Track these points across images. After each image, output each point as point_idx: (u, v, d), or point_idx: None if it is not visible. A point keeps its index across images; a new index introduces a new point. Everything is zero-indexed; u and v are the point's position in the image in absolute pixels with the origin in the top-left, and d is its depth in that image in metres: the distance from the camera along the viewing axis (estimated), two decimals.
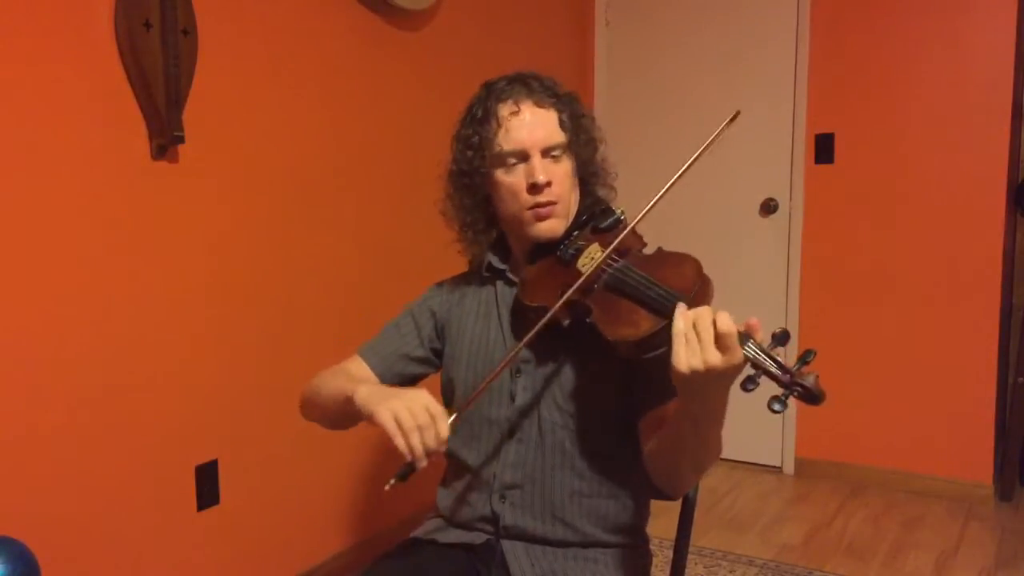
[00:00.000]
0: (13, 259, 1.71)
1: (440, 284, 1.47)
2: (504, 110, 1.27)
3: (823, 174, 3.35)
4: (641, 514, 1.35)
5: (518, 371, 1.30)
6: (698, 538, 2.82)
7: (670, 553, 1.42)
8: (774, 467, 3.51)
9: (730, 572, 2.61)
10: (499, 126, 1.26)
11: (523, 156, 1.26)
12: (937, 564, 2.66)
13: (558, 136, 1.28)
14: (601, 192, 1.38)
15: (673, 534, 1.41)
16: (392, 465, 1.14)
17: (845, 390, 3.33)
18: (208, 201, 2.09)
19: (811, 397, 0.96)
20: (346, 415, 1.23)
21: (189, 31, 1.93)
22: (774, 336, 0.99)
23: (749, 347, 0.98)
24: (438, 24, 2.82)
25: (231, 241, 2.16)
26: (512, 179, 1.27)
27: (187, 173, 2.03)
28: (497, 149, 1.26)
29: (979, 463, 3.16)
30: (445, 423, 1.10)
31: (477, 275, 1.41)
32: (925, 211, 3.18)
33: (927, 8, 3.13)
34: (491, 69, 3.12)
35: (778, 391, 0.97)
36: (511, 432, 1.29)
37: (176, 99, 1.91)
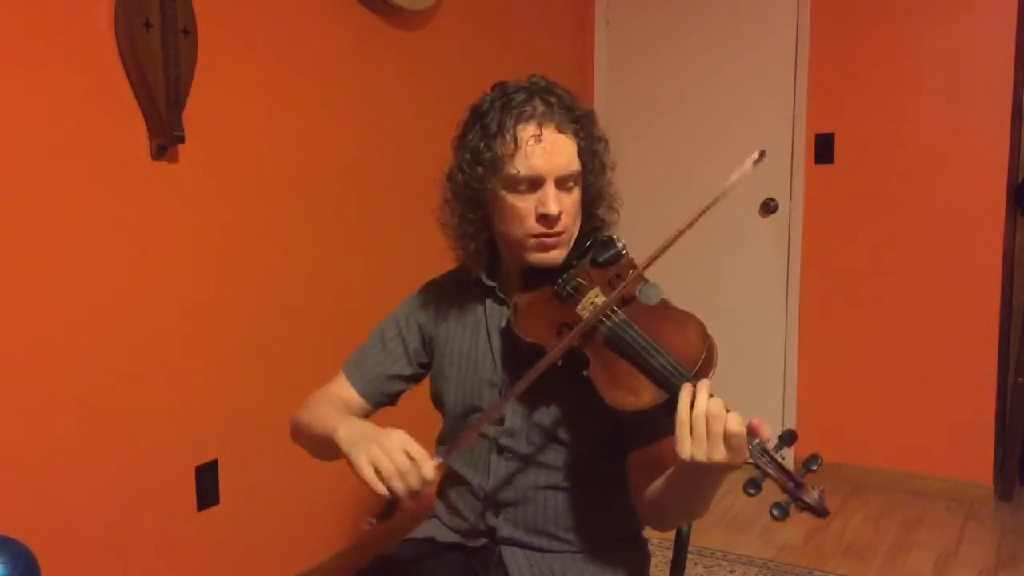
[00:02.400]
0: (13, 259, 1.71)
1: (428, 288, 1.42)
2: (524, 132, 1.18)
3: (823, 174, 3.35)
4: (636, 519, 1.34)
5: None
6: (698, 538, 2.82)
7: (670, 553, 1.42)
8: None
9: (730, 572, 2.61)
10: (517, 148, 1.17)
11: (537, 183, 1.19)
12: (937, 564, 2.66)
13: (575, 165, 1.21)
14: (603, 215, 1.31)
15: (673, 534, 1.41)
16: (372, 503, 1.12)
17: (845, 390, 3.33)
18: (208, 201, 2.09)
19: (815, 513, 0.96)
20: (331, 452, 1.20)
21: (189, 31, 1.93)
22: (781, 438, 1.00)
23: (755, 447, 0.98)
24: (438, 24, 2.82)
25: (231, 241, 2.16)
26: (521, 204, 1.19)
27: (187, 173, 2.03)
28: (512, 171, 1.18)
29: (979, 463, 3.16)
30: (429, 465, 1.07)
31: (466, 284, 1.35)
32: (925, 211, 3.18)
33: (927, 8, 3.12)
34: (491, 69, 3.11)
35: (781, 496, 0.97)
36: (500, 451, 1.28)
37: (176, 99, 1.91)
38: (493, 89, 1.25)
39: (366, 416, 1.36)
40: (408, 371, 1.39)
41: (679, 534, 1.40)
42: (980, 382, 3.12)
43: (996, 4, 3.02)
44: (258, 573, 2.29)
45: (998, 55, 3.03)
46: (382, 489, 1.05)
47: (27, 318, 1.74)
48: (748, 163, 1.15)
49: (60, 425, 1.80)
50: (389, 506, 1.09)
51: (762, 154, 1.15)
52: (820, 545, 2.80)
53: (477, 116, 1.24)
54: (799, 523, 2.98)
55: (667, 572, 1.42)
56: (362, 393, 1.37)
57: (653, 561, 1.42)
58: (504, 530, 1.28)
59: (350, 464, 1.10)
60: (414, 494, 1.06)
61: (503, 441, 1.27)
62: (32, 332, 1.75)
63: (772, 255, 3.48)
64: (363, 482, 1.07)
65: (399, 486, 1.05)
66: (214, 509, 2.14)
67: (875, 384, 3.29)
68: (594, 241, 1.26)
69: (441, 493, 1.40)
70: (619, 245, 1.25)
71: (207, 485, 2.12)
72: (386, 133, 2.64)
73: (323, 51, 2.40)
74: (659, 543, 2.47)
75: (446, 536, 1.34)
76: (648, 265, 1.16)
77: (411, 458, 1.06)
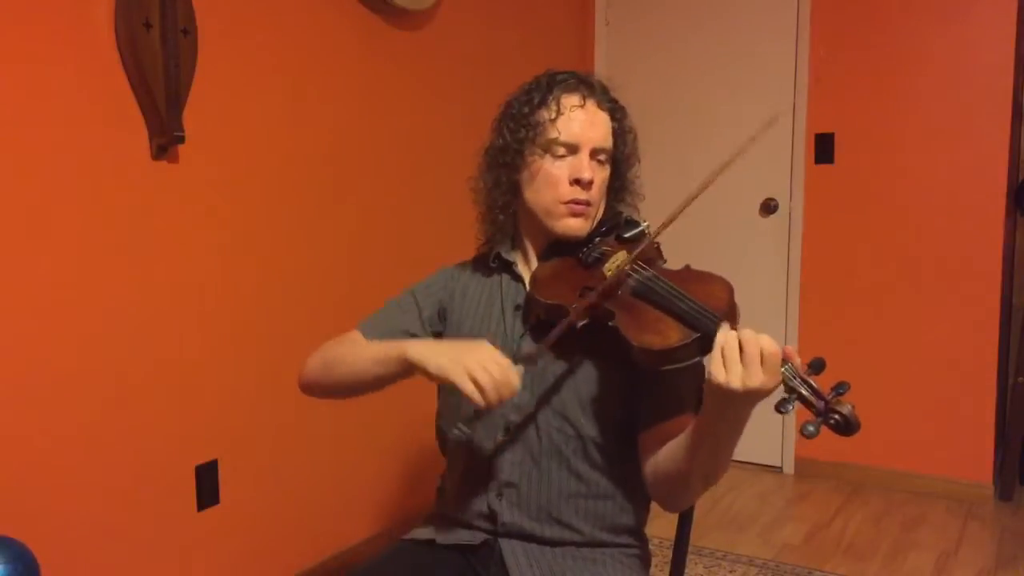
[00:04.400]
0: (13, 259, 1.71)
1: (446, 268, 1.46)
2: (568, 100, 1.28)
3: (823, 174, 3.35)
4: (639, 514, 1.35)
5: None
6: (698, 538, 2.82)
7: (670, 553, 1.42)
8: (774, 467, 3.51)
9: (730, 572, 2.61)
10: (560, 114, 1.27)
11: (574, 149, 1.28)
12: (937, 564, 2.66)
13: (609, 141, 1.31)
14: (624, 209, 1.38)
15: (673, 534, 1.41)
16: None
17: None
18: (208, 201, 2.09)
19: (847, 426, 0.97)
20: (383, 377, 1.26)
21: (189, 31, 1.93)
22: (810, 364, 1.01)
23: (786, 370, 1.00)
24: (438, 24, 2.82)
25: (231, 241, 2.16)
26: (556, 169, 1.28)
27: (187, 173, 2.03)
28: (553, 135, 1.27)
29: (979, 463, 3.16)
30: (515, 374, 1.12)
31: (484, 264, 1.40)
32: (925, 211, 3.18)
33: (927, 8, 3.13)
34: (491, 69, 3.11)
35: (811, 416, 0.98)
36: (507, 429, 1.29)
37: (176, 99, 1.91)
38: (543, 74, 1.34)
39: None
40: (421, 332, 1.40)
41: (679, 534, 1.40)
42: (980, 382, 3.12)
43: (996, 5, 3.02)
44: (258, 573, 2.29)
45: (998, 55, 3.03)
46: (480, 400, 1.10)
47: (26, 318, 1.74)
48: (765, 123, 1.20)
49: (60, 425, 1.80)
50: (479, 412, 1.13)
51: (775, 119, 1.21)
52: (820, 545, 2.80)
53: (524, 91, 1.34)
54: (799, 523, 2.98)
55: (667, 572, 1.42)
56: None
57: (653, 561, 1.42)
58: (506, 515, 1.28)
59: (441, 379, 1.14)
60: (503, 402, 1.12)
61: (512, 417, 1.28)
62: (31, 332, 1.75)
63: (772, 255, 3.48)
64: (461, 392, 1.11)
65: (495, 397, 1.10)
66: (214, 509, 2.14)
67: (875, 383, 3.29)
68: (617, 222, 1.34)
69: (445, 475, 1.41)
70: (643, 224, 1.32)
71: (207, 485, 2.12)
72: (386, 133, 2.64)
73: (323, 51, 2.40)
74: (659, 543, 2.47)
75: (446, 538, 1.34)
76: (675, 218, 1.19)
77: (502, 367, 1.11)
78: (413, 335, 1.40)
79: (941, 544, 2.80)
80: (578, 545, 1.29)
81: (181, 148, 1.99)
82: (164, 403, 2.01)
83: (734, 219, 3.51)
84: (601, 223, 1.33)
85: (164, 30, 1.86)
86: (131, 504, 1.95)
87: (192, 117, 1.97)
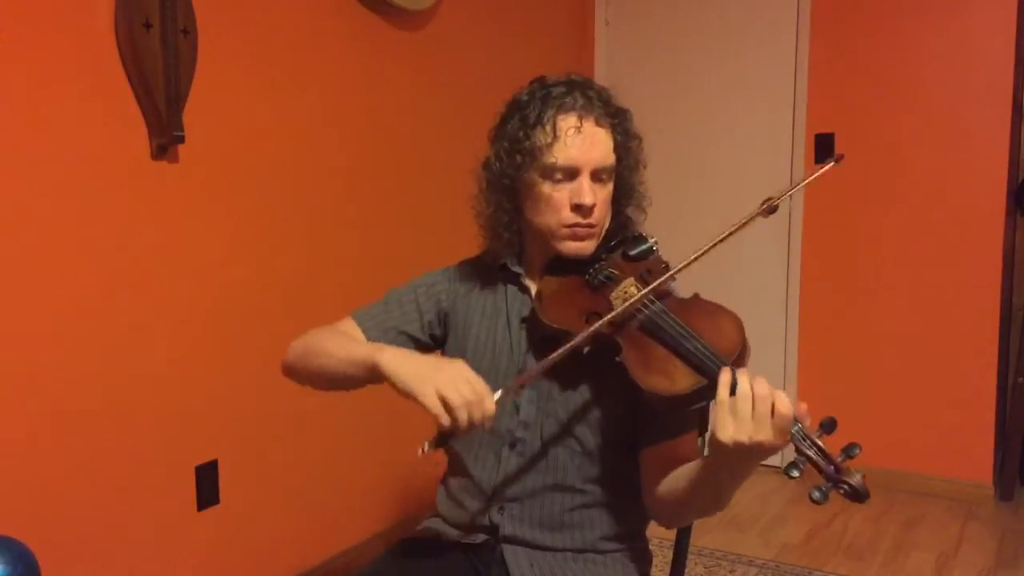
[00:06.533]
0: (13, 259, 1.71)
1: (449, 269, 1.43)
2: (564, 122, 1.22)
3: (823, 174, 3.35)
4: (641, 519, 1.34)
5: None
6: (698, 538, 2.82)
7: (670, 553, 1.42)
8: (775, 467, 3.51)
9: (730, 572, 2.61)
10: (556, 138, 1.21)
11: (573, 174, 1.22)
12: (937, 564, 2.66)
13: (610, 159, 1.25)
14: (631, 214, 1.34)
15: (673, 534, 1.41)
16: (418, 437, 1.10)
17: (845, 390, 3.33)
18: (208, 201, 2.09)
19: (856, 496, 0.94)
20: (354, 378, 1.22)
21: (189, 31, 1.93)
22: (821, 424, 0.98)
23: (796, 431, 0.97)
24: (438, 24, 2.82)
25: (231, 241, 2.16)
26: (557, 194, 1.23)
27: (187, 173, 2.03)
28: (550, 161, 1.21)
29: (979, 463, 3.16)
30: (491, 400, 1.08)
31: (489, 269, 1.37)
32: (925, 211, 3.18)
33: (927, 8, 3.13)
34: (491, 69, 3.10)
35: (819, 479, 0.96)
36: (512, 444, 1.28)
37: (176, 99, 1.91)
38: (532, 83, 1.28)
39: None
40: (419, 335, 1.38)
41: (679, 534, 1.40)
42: (980, 382, 3.12)
43: (996, 4, 3.02)
44: (258, 573, 2.29)
45: (998, 55, 3.03)
46: (447, 420, 1.06)
47: (26, 318, 1.74)
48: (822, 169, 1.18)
49: (60, 425, 1.80)
50: (444, 435, 1.09)
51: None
52: (820, 545, 2.80)
53: (517, 107, 1.27)
54: (799, 523, 2.98)
55: (667, 572, 1.42)
56: (370, 338, 1.36)
57: (653, 561, 1.42)
58: (507, 527, 1.28)
59: (409, 396, 1.11)
60: (474, 427, 1.07)
61: (518, 433, 1.27)
62: (31, 332, 1.75)
63: (772, 255, 3.48)
64: (425, 410, 1.07)
65: (464, 417, 1.06)
66: (214, 509, 2.14)
67: (875, 384, 3.29)
68: (625, 236, 1.29)
69: (446, 483, 1.40)
70: (650, 241, 1.28)
71: (207, 485, 2.12)
72: (386, 133, 2.64)
73: (323, 51, 2.40)
74: (659, 543, 2.47)
75: (448, 534, 1.34)
76: (684, 268, 1.18)
77: (477, 392, 1.07)
78: (411, 336, 1.38)
79: (941, 544, 2.80)
80: (579, 551, 1.29)
81: (181, 148, 1.99)
82: (164, 403, 2.01)
83: (734, 219, 3.50)
84: (608, 235, 1.30)
85: (164, 30, 1.86)
86: (131, 504, 1.95)
87: (192, 117, 1.97)
